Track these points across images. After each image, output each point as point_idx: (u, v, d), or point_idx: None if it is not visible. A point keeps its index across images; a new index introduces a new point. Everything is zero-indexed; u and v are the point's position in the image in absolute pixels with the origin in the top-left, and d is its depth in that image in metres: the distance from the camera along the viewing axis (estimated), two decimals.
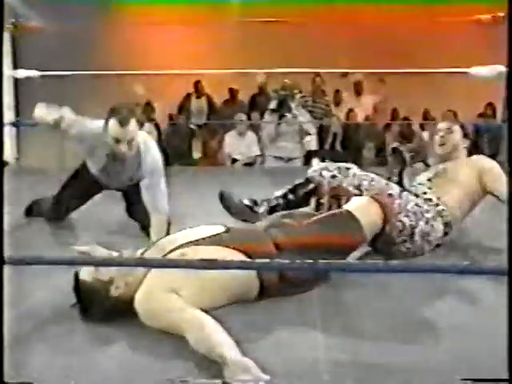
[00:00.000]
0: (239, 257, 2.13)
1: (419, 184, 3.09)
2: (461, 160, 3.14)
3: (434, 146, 3.20)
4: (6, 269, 1.38)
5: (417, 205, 2.77)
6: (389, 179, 2.98)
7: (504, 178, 2.99)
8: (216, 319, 1.89)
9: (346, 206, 2.54)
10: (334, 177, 2.86)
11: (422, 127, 7.30)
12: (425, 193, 2.98)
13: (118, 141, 2.83)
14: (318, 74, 6.86)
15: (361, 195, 2.70)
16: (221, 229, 2.31)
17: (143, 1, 7.68)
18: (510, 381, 1.42)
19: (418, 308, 2.20)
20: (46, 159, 6.00)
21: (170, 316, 1.94)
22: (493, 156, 3.44)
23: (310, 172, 2.99)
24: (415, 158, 6.53)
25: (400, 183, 3.01)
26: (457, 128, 3.17)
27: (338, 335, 1.96)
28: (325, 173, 2.91)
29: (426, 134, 7.15)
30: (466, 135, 3.19)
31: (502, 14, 4.70)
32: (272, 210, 2.96)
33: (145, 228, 3.04)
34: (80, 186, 3.30)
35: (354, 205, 2.51)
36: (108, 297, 2.04)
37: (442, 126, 3.20)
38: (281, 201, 2.98)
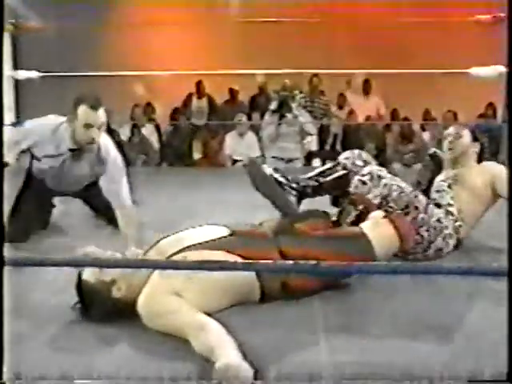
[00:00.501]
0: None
1: (442, 191, 2.97)
2: (472, 166, 3.08)
3: (444, 151, 3.14)
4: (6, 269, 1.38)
5: (438, 220, 2.77)
6: (418, 184, 2.95)
7: None
8: (218, 321, 1.89)
9: (362, 225, 2.44)
10: (363, 183, 2.71)
11: (423, 128, 7.30)
12: (449, 204, 2.90)
13: (89, 126, 2.80)
14: (315, 75, 6.86)
15: (386, 205, 2.65)
16: (225, 231, 2.27)
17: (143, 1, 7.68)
18: (509, 381, 1.42)
19: (421, 309, 2.19)
20: None
21: (172, 318, 1.94)
22: (493, 156, 3.43)
23: (342, 158, 2.91)
24: (416, 159, 6.56)
25: (428, 188, 2.96)
26: (466, 132, 3.11)
27: (340, 336, 1.95)
28: (359, 162, 2.84)
29: (426, 135, 7.15)
30: (475, 139, 3.13)
31: (502, 14, 4.69)
32: (303, 189, 2.78)
33: (111, 221, 3.04)
34: (33, 199, 3.15)
35: (371, 225, 2.40)
36: (109, 298, 2.04)
37: (450, 130, 3.14)
38: (311, 183, 2.83)
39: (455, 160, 3.10)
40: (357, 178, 2.74)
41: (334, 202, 2.87)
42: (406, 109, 7.43)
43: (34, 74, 3.58)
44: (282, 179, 2.74)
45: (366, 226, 2.39)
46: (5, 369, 1.40)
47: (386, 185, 2.70)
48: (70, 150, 2.94)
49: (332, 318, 2.09)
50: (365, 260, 2.21)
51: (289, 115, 6.28)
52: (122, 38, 7.32)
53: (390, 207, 2.65)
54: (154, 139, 7.06)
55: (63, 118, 2.95)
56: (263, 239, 2.29)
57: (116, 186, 2.94)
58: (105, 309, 2.04)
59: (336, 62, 5.90)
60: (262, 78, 7.27)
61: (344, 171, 2.85)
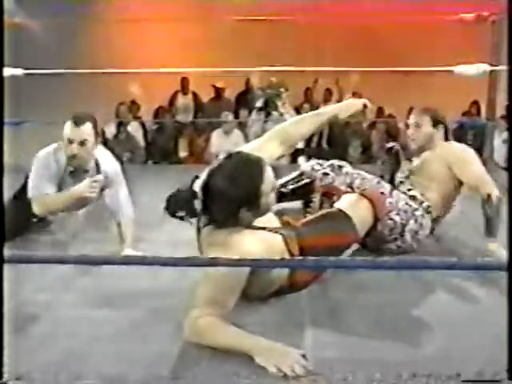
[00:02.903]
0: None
1: (400, 182, 3.04)
2: (434, 151, 3.05)
3: (408, 141, 3.17)
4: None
5: (407, 203, 2.82)
6: (381, 177, 2.99)
7: (473, 162, 2.92)
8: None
9: (337, 205, 2.52)
10: (326, 174, 2.85)
11: (407, 125, 7.34)
12: (409, 189, 2.96)
13: (70, 141, 2.83)
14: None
15: (352, 192, 2.69)
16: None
17: None
18: (509, 380, 1.43)
19: (407, 304, 2.21)
20: (29, 157, 5.96)
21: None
22: (477, 153, 3.43)
23: (304, 166, 2.98)
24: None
25: (392, 182, 3.01)
26: (426, 119, 3.08)
27: (327, 333, 1.97)
28: (317, 167, 2.90)
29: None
30: (438, 122, 3.07)
31: (485, 14, 4.74)
32: None
33: None
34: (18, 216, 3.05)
35: (345, 203, 2.48)
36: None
37: (411, 120, 3.14)
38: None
39: (420, 149, 3.09)
40: (319, 172, 2.86)
41: (306, 205, 2.93)
42: (390, 106, 7.48)
43: (18, 72, 3.54)
44: None
45: (340, 205, 2.47)
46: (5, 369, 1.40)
47: (347, 173, 2.84)
48: (71, 171, 2.95)
49: (317, 314, 2.11)
50: (349, 235, 2.35)
51: (275, 113, 6.29)
52: (107, 34, 7.28)
53: None
54: (139, 137, 7.05)
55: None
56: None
57: (119, 199, 2.98)
58: None
59: (323, 60, 5.92)
60: (256, 77, 7.28)
61: (307, 180, 2.92)
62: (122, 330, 1.99)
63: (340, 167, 2.88)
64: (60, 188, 2.93)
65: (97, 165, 2.99)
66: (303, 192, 2.95)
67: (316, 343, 1.88)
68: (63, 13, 6.41)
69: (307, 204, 2.91)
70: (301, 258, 1.43)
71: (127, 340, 1.92)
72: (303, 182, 2.94)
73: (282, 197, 2.94)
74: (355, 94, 7.43)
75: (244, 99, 7.45)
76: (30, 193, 2.90)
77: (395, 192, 2.83)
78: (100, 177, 2.84)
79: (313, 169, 2.92)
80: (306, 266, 1.92)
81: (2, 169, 1.69)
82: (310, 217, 2.46)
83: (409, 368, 1.68)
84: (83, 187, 2.76)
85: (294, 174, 2.99)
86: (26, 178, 3.01)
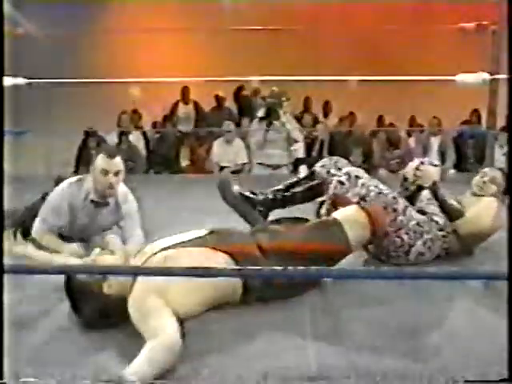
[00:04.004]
0: (223, 257, 2.15)
1: (429, 199, 2.92)
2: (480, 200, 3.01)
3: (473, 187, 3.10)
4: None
5: (418, 224, 2.77)
6: (406, 190, 2.93)
7: (487, 214, 2.89)
8: (205, 324, 1.90)
9: (334, 214, 2.51)
10: (341, 183, 2.77)
11: (409, 134, 7.36)
12: (435, 214, 2.87)
13: (106, 172, 2.98)
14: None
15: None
16: (204, 232, 2.33)
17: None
18: (509, 380, 1.43)
19: (407, 314, 2.21)
20: (32, 167, 5.97)
21: (147, 319, 1.93)
22: (478, 162, 3.44)
23: (318, 166, 2.95)
24: (401, 165, 6.60)
25: (412, 197, 2.90)
26: (494, 173, 3.08)
27: (327, 341, 1.96)
28: (333, 171, 2.86)
29: (412, 141, 7.21)
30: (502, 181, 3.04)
31: (485, 23, 4.76)
32: (271, 202, 2.93)
33: None
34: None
35: (343, 213, 2.47)
36: (101, 295, 2.04)
37: (489, 173, 3.10)
38: (280, 195, 2.96)
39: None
40: (335, 179, 2.79)
41: (318, 213, 2.91)
42: (391, 115, 7.50)
43: (21, 81, 3.56)
44: (249, 194, 2.94)
45: (337, 214, 2.47)
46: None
47: (363, 185, 2.75)
48: (92, 201, 3.09)
49: (318, 322, 2.10)
50: (340, 245, 2.35)
51: (276, 122, 6.30)
52: (112, 43, 7.32)
53: None
54: (141, 146, 7.06)
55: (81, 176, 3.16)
56: (241, 235, 2.37)
57: (133, 236, 3.11)
58: (96, 306, 2.04)
59: (324, 69, 5.93)
60: (256, 84, 7.29)
61: (316, 181, 2.90)
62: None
63: (357, 177, 2.78)
64: (76, 217, 3.08)
65: (116, 202, 3.13)
66: (311, 195, 2.92)
67: (316, 352, 1.88)
68: (67, 24, 6.44)
69: (318, 213, 2.90)
70: (281, 267, 1.41)
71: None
72: (314, 183, 2.91)
73: (289, 199, 2.94)
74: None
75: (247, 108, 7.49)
76: (39, 220, 3.05)
77: (409, 210, 2.77)
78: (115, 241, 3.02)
79: (328, 172, 2.89)
80: (283, 275, 1.88)
81: (2, 176, 1.71)
82: (304, 224, 2.48)
83: (409, 376, 1.68)
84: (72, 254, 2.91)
85: (304, 173, 2.98)
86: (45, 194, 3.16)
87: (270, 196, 2.96)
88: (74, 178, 3.15)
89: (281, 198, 2.96)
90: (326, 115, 7.47)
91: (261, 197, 2.95)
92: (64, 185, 3.12)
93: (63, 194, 3.08)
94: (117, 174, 3.01)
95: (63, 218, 3.06)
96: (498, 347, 1.61)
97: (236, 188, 2.97)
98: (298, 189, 2.97)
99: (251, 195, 2.95)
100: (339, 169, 2.89)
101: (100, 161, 3.00)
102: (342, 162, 2.97)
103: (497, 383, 1.53)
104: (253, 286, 2.20)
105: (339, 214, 2.47)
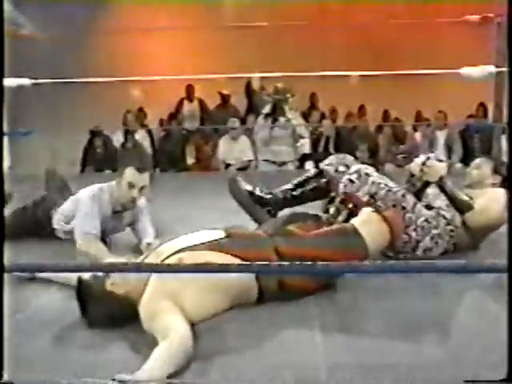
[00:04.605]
0: (237, 262, 2.13)
1: (437, 194, 2.91)
2: (486, 192, 3.02)
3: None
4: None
5: (426, 220, 2.77)
6: (413, 185, 2.92)
7: (492, 207, 2.90)
8: (216, 323, 1.90)
9: (353, 221, 2.46)
10: (351, 181, 2.75)
11: (415, 128, 7.33)
12: (442, 208, 2.86)
13: (132, 186, 2.97)
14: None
15: (374, 203, 2.66)
16: (221, 234, 2.29)
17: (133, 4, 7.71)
18: (509, 381, 1.42)
19: (416, 308, 2.20)
20: (39, 167, 6.00)
21: (159, 321, 1.93)
22: (484, 156, 3.43)
23: (325, 164, 2.94)
24: (408, 160, 6.58)
25: (419, 193, 2.89)
26: (487, 163, 3.12)
27: (337, 337, 1.96)
28: (341, 168, 2.85)
29: (418, 135, 7.18)
30: (496, 172, 3.09)
31: (490, 15, 4.73)
32: (281, 201, 2.93)
33: None
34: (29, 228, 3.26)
35: (362, 221, 2.42)
36: (104, 291, 2.05)
37: (475, 161, 3.17)
38: (289, 194, 2.96)
39: (471, 184, 3.12)
40: (345, 177, 2.78)
41: (326, 210, 2.90)
42: (397, 110, 7.48)
43: (25, 81, 3.56)
44: (259, 193, 2.94)
45: (357, 222, 2.42)
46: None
47: (373, 183, 2.74)
48: (114, 211, 3.08)
49: (328, 319, 2.10)
50: (358, 255, 2.28)
51: (282, 118, 6.29)
52: (114, 43, 7.32)
53: (378, 206, 2.66)
54: (146, 145, 7.07)
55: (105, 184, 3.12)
56: (259, 239, 2.33)
57: (145, 229, 3.16)
58: (101, 304, 2.04)
59: (328, 64, 5.91)
60: (256, 81, 7.30)
61: (325, 180, 2.89)
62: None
63: (367, 175, 2.77)
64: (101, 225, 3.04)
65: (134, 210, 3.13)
66: (320, 194, 2.92)
67: (326, 348, 1.88)
68: (69, 22, 6.45)
69: (327, 210, 2.88)
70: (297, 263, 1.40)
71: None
72: (322, 182, 2.91)
73: (298, 198, 2.93)
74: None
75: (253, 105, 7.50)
76: (78, 230, 2.98)
77: (418, 207, 2.76)
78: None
79: (336, 170, 2.87)
80: (299, 271, 1.87)
81: (1, 176, 1.71)
82: (321, 229, 2.44)
83: (419, 372, 1.68)
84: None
85: (313, 172, 2.97)
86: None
87: (280, 195, 2.96)
88: (95, 188, 3.09)
89: (290, 197, 2.96)
90: (312, 107, 7.54)
91: (270, 196, 2.95)
92: (90, 192, 3.07)
93: (93, 200, 3.03)
94: (142, 188, 3.00)
95: (97, 223, 2.99)
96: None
97: (246, 186, 2.97)
98: (306, 188, 2.97)
99: (261, 194, 2.95)
100: (347, 166, 2.87)
101: (128, 173, 2.97)
102: (349, 158, 2.96)
103: (497, 383, 1.53)
104: (268, 290, 2.19)
105: (360, 223, 2.40)
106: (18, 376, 1.62)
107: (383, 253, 2.79)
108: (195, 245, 2.20)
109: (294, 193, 2.98)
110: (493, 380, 1.58)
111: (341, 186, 2.77)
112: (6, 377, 1.39)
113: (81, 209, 3.03)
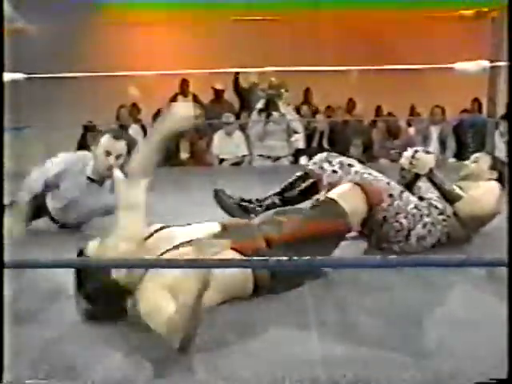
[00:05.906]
0: (233, 255, 2.13)
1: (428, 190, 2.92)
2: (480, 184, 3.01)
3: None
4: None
5: (416, 207, 2.77)
6: (403, 178, 2.94)
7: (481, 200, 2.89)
8: (208, 318, 1.89)
9: (329, 194, 2.55)
10: (334, 172, 2.79)
11: (409, 123, 7.34)
12: (434, 199, 2.86)
13: (108, 153, 2.98)
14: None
15: None
16: (216, 227, 2.31)
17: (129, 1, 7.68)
18: (509, 381, 1.42)
19: (411, 303, 2.21)
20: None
21: (157, 313, 1.92)
22: (478, 151, 3.44)
23: (310, 165, 2.94)
24: (402, 155, 6.58)
25: (410, 185, 2.90)
26: (485, 158, 3.13)
27: (331, 332, 1.96)
28: (326, 165, 2.85)
29: (412, 130, 7.19)
30: (494, 168, 3.08)
31: (485, 9, 4.74)
32: (268, 209, 2.92)
33: None
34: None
35: (337, 192, 2.53)
36: (107, 277, 2.02)
37: (475, 155, 3.18)
38: (277, 199, 2.97)
39: (466, 176, 3.13)
40: (329, 168, 2.80)
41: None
42: (391, 105, 7.48)
43: (19, 76, 3.55)
44: (246, 204, 2.96)
45: (334, 194, 2.53)
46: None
47: (356, 172, 2.76)
48: (89, 178, 3.09)
49: (323, 313, 2.11)
50: (340, 223, 2.41)
51: (276, 113, 6.29)
52: (107, 38, 7.30)
53: None
54: (140, 140, 7.04)
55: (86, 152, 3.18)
56: (249, 228, 2.38)
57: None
58: (102, 288, 2.02)
59: (322, 59, 5.91)
60: (254, 76, 7.29)
61: (311, 180, 2.90)
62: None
63: (350, 166, 2.80)
64: (68, 188, 3.07)
65: (112, 187, 3.07)
66: (308, 194, 2.93)
67: (321, 343, 1.88)
68: (63, 17, 6.41)
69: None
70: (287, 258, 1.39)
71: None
72: (309, 183, 2.92)
73: (286, 202, 2.95)
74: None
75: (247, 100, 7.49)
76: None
77: (405, 194, 2.77)
78: None
79: (321, 167, 2.89)
80: (286, 266, 1.87)
81: (2, 173, 1.70)
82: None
83: (415, 368, 1.68)
84: None
85: (298, 174, 2.98)
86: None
87: (267, 202, 2.97)
88: (74, 155, 3.18)
89: (278, 203, 2.97)
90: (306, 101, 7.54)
91: (257, 204, 2.96)
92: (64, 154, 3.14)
93: (63, 158, 3.08)
94: (118, 157, 3.00)
95: (56, 168, 3.05)
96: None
97: (232, 198, 2.97)
98: (293, 192, 2.97)
99: (248, 204, 2.96)
100: (330, 162, 2.87)
101: (105, 141, 3.00)
102: (333, 155, 2.96)
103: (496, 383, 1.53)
104: (264, 283, 2.21)
105: (334, 193, 2.53)
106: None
107: (377, 245, 2.79)
108: (194, 239, 2.19)
109: (281, 198, 2.98)
110: (493, 380, 1.58)
111: (324, 177, 2.81)
112: (6, 378, 1.38)
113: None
